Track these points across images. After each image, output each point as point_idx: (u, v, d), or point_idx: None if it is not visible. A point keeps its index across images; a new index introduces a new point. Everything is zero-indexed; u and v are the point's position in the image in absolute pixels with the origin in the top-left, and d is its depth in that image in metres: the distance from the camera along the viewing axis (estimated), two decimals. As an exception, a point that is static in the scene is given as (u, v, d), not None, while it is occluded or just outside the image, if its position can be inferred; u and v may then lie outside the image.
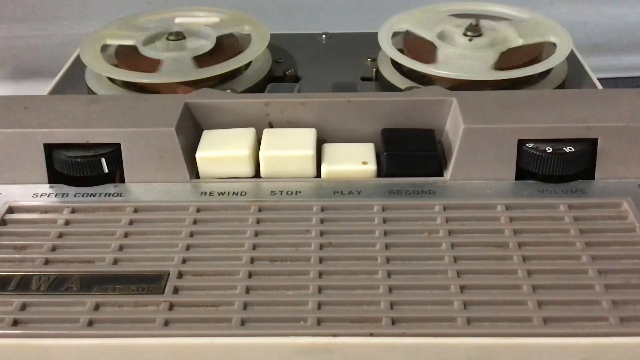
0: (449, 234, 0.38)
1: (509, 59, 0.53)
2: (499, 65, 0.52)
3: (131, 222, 0.40)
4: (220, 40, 0.56)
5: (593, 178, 0.43)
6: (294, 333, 0.33)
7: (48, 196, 0.42)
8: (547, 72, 0.53)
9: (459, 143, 0.42)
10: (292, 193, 0.42)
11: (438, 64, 0.52)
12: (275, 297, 0.35)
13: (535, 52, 0.54)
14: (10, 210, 0.41)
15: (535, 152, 0.42)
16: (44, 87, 0.56)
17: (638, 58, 0.86)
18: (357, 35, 0.64)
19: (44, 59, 0.81)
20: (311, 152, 0.43)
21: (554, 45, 0.54)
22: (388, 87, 0.54)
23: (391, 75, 0.54)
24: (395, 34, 0.57)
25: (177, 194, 0.42)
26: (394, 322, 0.34)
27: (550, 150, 0.42)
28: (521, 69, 0.51)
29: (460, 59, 0.52)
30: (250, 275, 0.36)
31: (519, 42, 0.54)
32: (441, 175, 0.43)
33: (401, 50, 0.55)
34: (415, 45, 0.56)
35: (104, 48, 0.57)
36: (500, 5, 0.60)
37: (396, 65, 0.55)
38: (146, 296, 0.35)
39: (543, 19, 0.58)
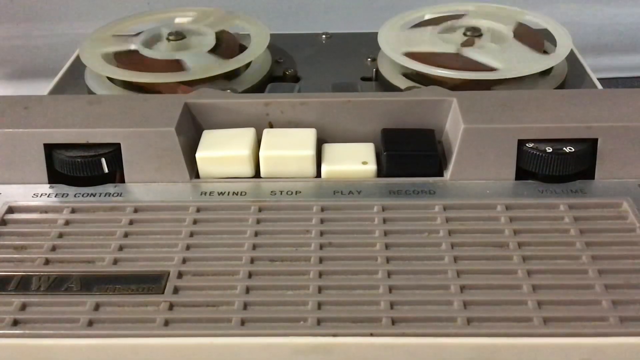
0: (449, 234, 0.38)
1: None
2: (497, 65, 0.52)
3: (131, 222, 0.40)
4: (220, 40, 0.56)
5: (593, 178, 0.43)
6: (294, 333, 0.33)
7: (48, 196, 0.42)
8: (547, 72, 0.53)
9: (459, 143, 0.42)
10: (292, 193, 0.42)
11: (501, 70, 0.51)
12: (275, 297, 0.35)
13: (536, 47, 0.54)
14: (10, 210, 0.41)
15: (535, 152, 0.42)
16: (44, 87, 0.56)
17: (638, 58, 0.86)
18: (357, 35, 0.64)
19: (44, 59, 0.81)
20: (311, 152, 0.43)
21: (549, 38, 0.55)
22: (388, 87, 0.54)
23: (391, 75, 0.54)
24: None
25: (177, 194, 0.42)
26: (394, 322, 0.34)
27: (550, 150, 0.42)
28: (515, 69, 0.51)
29: (503, 53, 0.52)
30: (250, 275, 0.36)
31: (509, 30, 0.55)
32: (441, 175, 0.43)
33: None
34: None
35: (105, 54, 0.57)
36: (502, 6, 0.60)
37: (396, 65, 0.55)
38: (146, 296, 0.35)
39: (544, 19, 0.58)
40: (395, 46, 0.54)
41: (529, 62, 0.52)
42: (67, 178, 0.43)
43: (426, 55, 0.53)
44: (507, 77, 0.50)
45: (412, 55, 0.53)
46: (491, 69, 0.51)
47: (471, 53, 0.53)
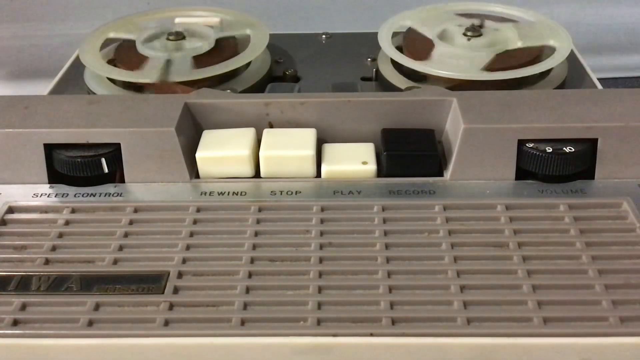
0: (449, 234, 0.38)
1: (507, 59, 0.52)
2: (494, 66, 0.52)
3: (131, 222, 0.40)
4: (219, 40, 0.56)
5: (593, 178, 0.43)
6: (294, 333, 0.33)
7: (48, 196, 0.42)
8: (547, 72, 0.53)
9: (459, 143, 0.42)
10: (292, 193, 0.42)
11: (430, 61, 0.52)
12: (275, 297, 0.35)
13: (535, 54, 0.54)
14: (10, 210, 0.41)
15: (535, 152, 0.42)
16: (44, 87, 0.56)
17: (638, 58, 0.86)
18: (357, 35, 0.64)
19: (44, 59, 0.81)
20: (311, 152, 0.43)
21: (553, 46, 0.54)
22: (388, 87, 0.54)
23: (391, 75, 0.54)
24: (395, 34, 0.57)
25: (177, 194, 0.42)
26: (394, 322, 0.34)
27: (550, 150, 0.42)
28: (514, 70, 0.51)
29: (453, 57, 0.52)
30: (250, 275, 0.36)
31: (518, 44, 0.54)
32: (441, 175, 0.43)
33: (400, 49, 0.55)
34: (415, 44, 0.56)
35: (105, 45, 0.57)
36: (503, 6, 0.60)
37: (396, 65, 0.55)
38: (146, 296, 0.35)
39: (545, 20, 0.58)
40: (390, 24, 0.55)
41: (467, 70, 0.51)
42: (67, 178, 0.43)
43: (407, 40, 0.54)
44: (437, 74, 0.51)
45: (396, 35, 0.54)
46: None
47: (446, 54, 0.53)
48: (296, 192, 0.42)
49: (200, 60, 0.54)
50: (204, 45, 0.55)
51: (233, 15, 0.61)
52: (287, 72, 0.57)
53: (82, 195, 0.42)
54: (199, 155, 0.43)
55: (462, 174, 0.43)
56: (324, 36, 0.64)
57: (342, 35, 0.64)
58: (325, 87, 0.54)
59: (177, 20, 0.60)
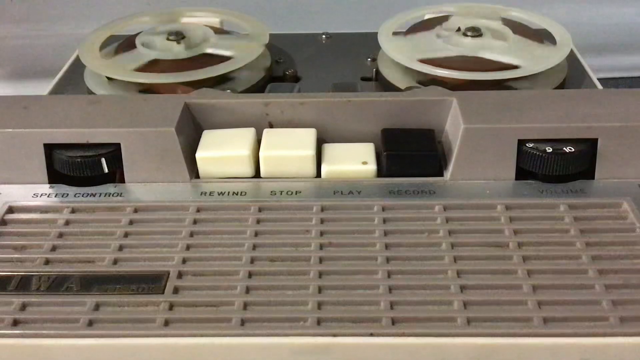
0: (449, 234, 0.38)
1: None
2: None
3: (131, 222, 0.40)
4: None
5: (593, 178, 0.43)
6: (294, 333, 0.33)
7: (48, 196, 0.42)
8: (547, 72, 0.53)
9: (459, 143, 0.42)
10: (292, 193, 0.42)
11: (521, 68, 0.51)
12: (275, 297, 0.35)
13: (523, 27, 0.55)
14: (10, 210, 0.41)
15: (535, 152, 0.42)
16: (44, 87, 0.56)
17: (638, 58, 0.86)
18: (357, 35, 0.64)
19: (44, 59, 0.81)
20: (311, 152, 0.43)
21: (550, 38, 0.55)
22: (388, 87, 0.54)
23: (391, 75, 0.54)
24: (395, 33, 0.57)
25: (177, 194, 0.42)
26: (394, 322, 0.34)
27: (550, 150, 0.42)
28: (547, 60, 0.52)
29: (524, 52, 0.52)
30: (250, 275, 0.36)
31: (503, 27, 0.55)
32: (441, 175, 0.43)
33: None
34: (452, 64, 0.53)
35: (106, 44, 0.57)
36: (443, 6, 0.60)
37: (396, 65, 0.55)
38: (146, 296, 0.35)
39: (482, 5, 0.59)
40: (408, 54, 0.53)
41: (546, 56, 0.52)
42: (67, 178, 0.43)
43: (442, 61, 0.52)
44: (533, 72, 0.51)
45: (427, 62, 0.52)
46: (513, 67, 0.51)
47: (487, 54, 0.52)
48: (296, 192, 0.42)
49: (200, 60, 0.54)
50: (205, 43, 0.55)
51: (233, 15, 0.61)
52: (287, 72, 0.57)
53: (82, 195, 0.42)
54: (199, 155, 0.43)
55: (462, 174, 0.43)
56: (324, 36, 0.64)
57: (342, 35, 0.64)
58: (325, 87, 0.54)
59: (177, 20, 0.60)
